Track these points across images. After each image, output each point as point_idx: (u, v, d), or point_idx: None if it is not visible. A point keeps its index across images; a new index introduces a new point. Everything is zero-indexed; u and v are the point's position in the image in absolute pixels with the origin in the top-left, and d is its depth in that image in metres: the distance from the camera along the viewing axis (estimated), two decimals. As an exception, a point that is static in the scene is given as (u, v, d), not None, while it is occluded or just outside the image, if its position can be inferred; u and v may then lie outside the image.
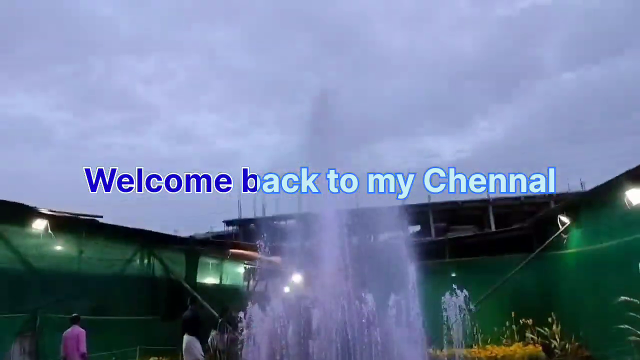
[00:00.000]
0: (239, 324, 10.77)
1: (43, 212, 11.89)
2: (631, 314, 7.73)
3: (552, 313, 13.05)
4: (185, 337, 11.58)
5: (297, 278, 17.27)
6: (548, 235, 13.97)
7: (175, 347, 13.11)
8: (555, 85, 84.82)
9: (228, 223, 36.22)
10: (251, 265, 22.15)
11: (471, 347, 12.22)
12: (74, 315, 11.04)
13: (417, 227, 34.25)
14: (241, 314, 10.83)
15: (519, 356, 11.64)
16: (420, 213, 32.31)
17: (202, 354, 11.45)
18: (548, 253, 14.26)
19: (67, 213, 12.56)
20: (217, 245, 18.20)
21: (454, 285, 8.69)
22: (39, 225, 11.93)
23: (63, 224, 12.60)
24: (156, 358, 12.25)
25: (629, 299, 7.74)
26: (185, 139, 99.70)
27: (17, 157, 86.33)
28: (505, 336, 13.54)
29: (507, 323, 13.71)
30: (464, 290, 9.44)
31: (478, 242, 16.59)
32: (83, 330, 10.83)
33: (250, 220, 34.66)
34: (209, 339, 12.93)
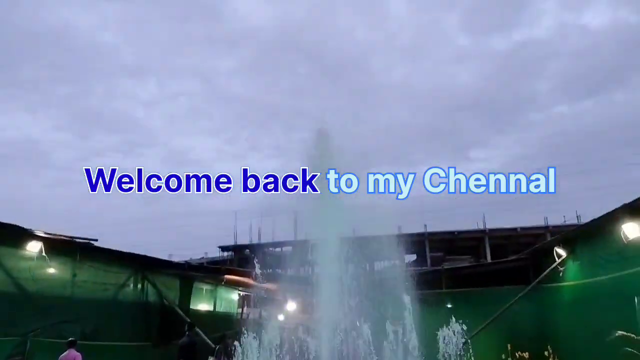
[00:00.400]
0: (233, 352, 10.66)
1: (38, 234, 11.83)
2: (627, 349, 7.67)
3: (548, 346, 12.94)
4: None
5: (291, 306, 17.14)
6: (544, 267, 13.95)
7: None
8: (550, 118, 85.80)
9: (223, 249, 35.99)
10: (246, 292, 22.00)
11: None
12: (70, 339, 11.07)
13: (413, 256, 34.13)
14: (236, 343, 10.73)
15: (515, 390, 11.48)
16: (417, 242, 32.27)
17: None
18: (544, 285, 14.22)
19: (62, 236, 12.50)
20: (212, 271, 18.06)
21: (451, 318, 8.63)
22: (34, 247, 11.86)
23: (58, 246, 12.53)
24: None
25: (625, 333, 7.68)
26: (183, 162, 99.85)
27: (16, 179, 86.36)
28: (502, 370, 13.39)
29: (503, 356, 13.56)
30: (461, 324, 9.38)
31: (474, 273, 16.54)
32: (79, 353, 10.84)
33: (245, 247, 34.48)
34: None
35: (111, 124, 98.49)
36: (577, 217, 31.41)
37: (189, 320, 15.70)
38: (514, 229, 31.57)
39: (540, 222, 31.52)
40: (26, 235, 11.66)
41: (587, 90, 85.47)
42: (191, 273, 16.96)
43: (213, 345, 13.26)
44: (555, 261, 13.25)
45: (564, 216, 32.45)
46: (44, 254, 12.00)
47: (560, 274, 13.27)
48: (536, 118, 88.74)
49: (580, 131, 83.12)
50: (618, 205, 9.82)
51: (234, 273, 17.68)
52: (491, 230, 32.24)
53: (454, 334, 8.55)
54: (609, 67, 78.78)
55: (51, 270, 12.62)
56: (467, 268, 17.49)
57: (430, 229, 33.37)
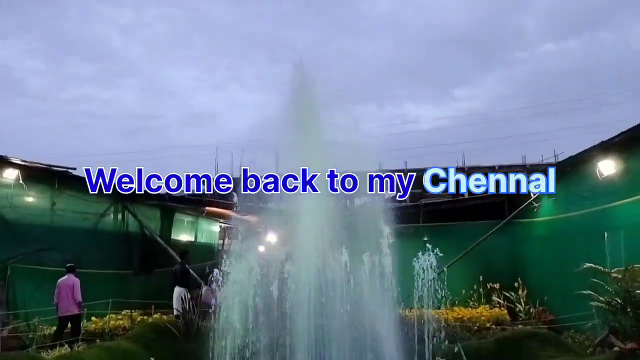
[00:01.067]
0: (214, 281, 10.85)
1: (14, 161, 11.64)
2: (594, 280, 7.98)
3: (519, 278, 13.45)
4: (176, 289, 11.92)
5: (272, 238, 17.39)
6: (520, 204, 14.28)
7: (148, 301, 13.21)
8: (535, 56, 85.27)
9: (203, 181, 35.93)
10: (226, 224, 22.23)
11: (439, 308, 12.55)
12: (69, 264, 11.22)
13: (393, 193, 34.55)
14: (216, 271, 10.89)
15: (485, 318, 11.98)
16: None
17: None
18: (519, 221, 14.62)
19: (39, 164, 12.31)
20: (193, 203, 18.06)
21: (427, 245, 8.83)
22: (10, 175, 11.70)
23: (35, 174, 12.38)
24: (128, 311, 12.29)
25: (593, 265, 7.97)
26: (161, 93, 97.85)
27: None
28: (473, 299, 13.93)
29: (475, 287, 14.09)
30: (437, 250, 9.64)
31: (452, 209, 16.85)
32: (77, 279, 10.99)
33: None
34: (200, 293, 13.02)
35: (87, 52, 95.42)
36: (554, 156, 31.84)
37: (170, 250, 15.93)
38: (492, 167, 31.93)
39: (518, 162, 31.93)
40: (2, 162, 11.47)
41: (573, 28, 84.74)
42: (172, 204, 16.99)
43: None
44: (530, 198, 13.55)
45: (542, 155, 32.84)
46: (21, 181, 11.87)
47: (535, 210, 13.62)
48: (522, 56, 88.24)
49: (564, 70, 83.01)
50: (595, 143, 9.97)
51: (214, 205, 17.77)
52: (470, 168, 32.59)
53: (429, 264, 8.79)
54: (595, 6, 77.79)
55: (30, 199, 12.53)
56: (445, 203, 17.77)
57: (410, 166, 33.60)
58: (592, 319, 8.65)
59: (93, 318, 11.69)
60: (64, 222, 13.40)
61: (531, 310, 12.55)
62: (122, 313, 12.24)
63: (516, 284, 13.32)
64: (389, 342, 7.22)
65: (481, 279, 14.06)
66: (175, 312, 11.82)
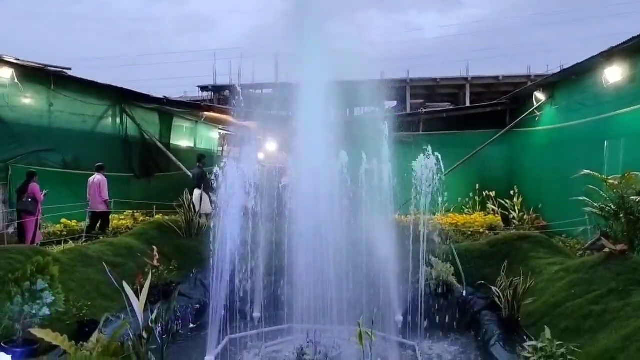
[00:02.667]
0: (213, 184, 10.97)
1: (8, 60, 11.35)
2: (590, 186, 8.05)
3: (515, 187, 13.61)
4: (196, 191, 12.13)
5: (271, 146, 17.41)
6: (523, 113, 14.16)
7: (150, 202, 13.44)
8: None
9: (202, 89, 35.32)
10: (225, 130, 22.17)
11: (434, 215, 12.82)
12: (98, 164, 11.83)
13: (394, 103, 34.17)
14: (214, 174, 10.95)
15: (479, 224, 12.27)
16: (398, 89, 32.02)
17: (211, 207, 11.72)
18: (520, 130, 14.56)
19: (34, 63, 12.03)
20: (191, 107, 17.86)
21: (427, 150, 8.82)
22: (5, 73, 11.48)
23: (30, 74, 12.15)
24: (130, 211, 12.55)
25: (590, 172, 8.01)
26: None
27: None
28: (468, 207, 14.19)
29: (471, 194, 14.30)
30: (436, 155, 9.67)
31: (453, 117, 16.71)
32: (105, 178, 11.61)
33: (225, 87, 33.93)
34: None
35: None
36: (560, 67, 31.16)
37: (170, 154, 16.01)
38: (496, 77, 31.35)
39: (523, 72, 31.29)
40: (-4, 60, 11.20)
41: None
42: (170, 108, 16.80)
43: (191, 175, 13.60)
44: (533, 107, 13.41)
45: (547, 66, 32.15)
46: (16, 80, 11.65)
47: (537, 119, 13.52)
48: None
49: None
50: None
51: (213, 110, 17.60)
52: (473, 78, 31.99)
53: (429, 168, 8.82)
54: None
55: (26, 100, 12.37)
56: (446, 111, 17.60)
57: (412, 76, 32.98)
58: (584, 224, 8.85)
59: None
60: (62, 124, 13.32)
61: (525, 217, 12.81)
62: (124, 213, 12.49)
63: (512, 192, 13.50)
64: (384, 243, 7.41)
65: (477, 187, 14.25)
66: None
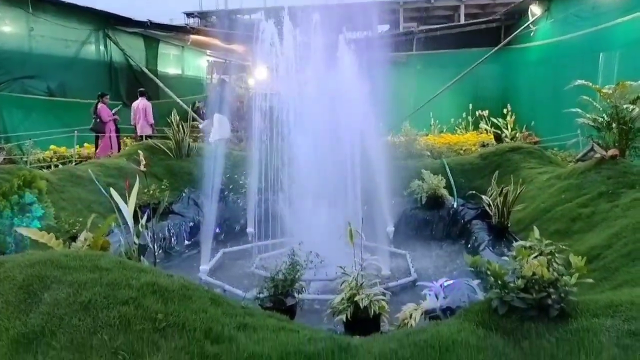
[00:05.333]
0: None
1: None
2: (584, 97, 7.94)
3: (508, 105, 13.46)
4: (216, 115, 12.03)
5: (260, 71, 17.01)
6: (518, 29, 13.80)
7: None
8: None
9: (188, 15, 34.11)
10: (213, 55, 21.61)
11: (427, 135, 12.78)
12: (140, 89, 12.47)
13: (386, 27, 33.25)
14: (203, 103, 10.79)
15: (471, 143, 12.24)
16: (390, 12, 31.06)
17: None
18: (514, 47, 14.27)
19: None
20: (177, 30, 17.20)
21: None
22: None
23: (4, -3, 11.63)
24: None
25: (584, 82, 7.87)
26: None
27: None
28: (461, 127, 14.10)
29: (464, 114, 14.16)
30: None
31: (447, 35, 16.26)
32: (149, 102, 12.21)
33: (212, 13, 32.83)
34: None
35: None
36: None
37: (158, 80, 15.64)
38: (492, -2, 30.40)
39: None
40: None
41: None
42: (155, 32, 16.21)
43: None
44: (529, 21, 13.05)
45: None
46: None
47: (532, 34, 13.19)
48: None
49: None
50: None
51: (200, 33, 17.05)
52: (468, -1, 31.00)
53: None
54: None
55: (5, 25, 11.91)
56: (440, 29, 17.07)
57: (405, -1, 31.89)
58: (576, 136, 8.82)
59: (86, 144, 11.79)
60: (44, 50, 12.87)
61: (517, 135, 12.77)
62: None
63: (505, 110, 13.37)
64: (378, 160, 7.37)
65: (471, 107, 14.08)
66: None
